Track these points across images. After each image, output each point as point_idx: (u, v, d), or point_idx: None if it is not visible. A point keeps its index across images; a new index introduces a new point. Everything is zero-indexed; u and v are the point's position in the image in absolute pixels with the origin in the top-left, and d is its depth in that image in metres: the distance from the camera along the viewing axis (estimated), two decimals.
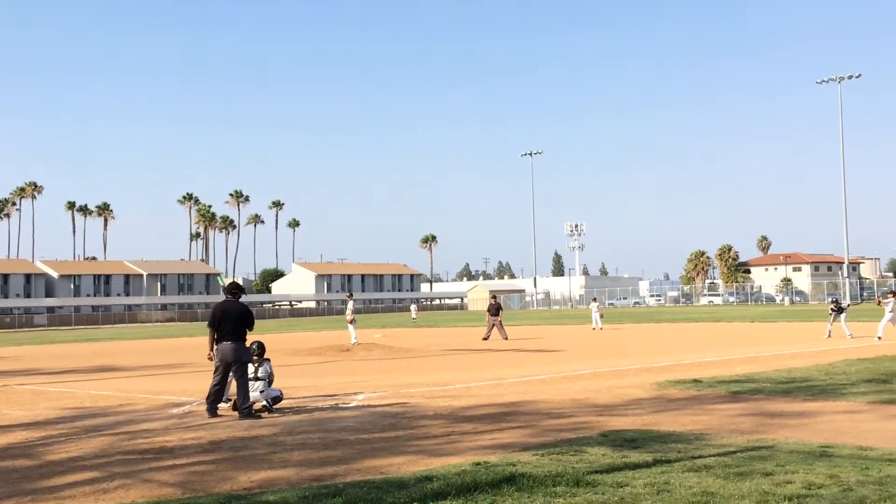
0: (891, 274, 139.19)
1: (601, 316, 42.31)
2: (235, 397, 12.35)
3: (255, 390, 12.49)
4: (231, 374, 12.47)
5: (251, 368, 12.62)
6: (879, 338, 26.28)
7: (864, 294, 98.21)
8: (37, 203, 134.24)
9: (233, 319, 12.34)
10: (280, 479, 7.82)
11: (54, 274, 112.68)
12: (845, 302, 32.88)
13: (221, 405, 12.86)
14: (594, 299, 44.85)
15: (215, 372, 12.45)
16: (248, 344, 12.61)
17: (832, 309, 29.77)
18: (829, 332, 29.17)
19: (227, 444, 9.89)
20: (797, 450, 8.42)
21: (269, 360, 13.03)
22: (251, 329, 12.46)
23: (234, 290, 12.82)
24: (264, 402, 12.53)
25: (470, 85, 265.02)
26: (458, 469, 7.77)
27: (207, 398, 12.41)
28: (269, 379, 12.81)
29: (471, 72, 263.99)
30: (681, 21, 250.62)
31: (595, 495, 6.55)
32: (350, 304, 31.35)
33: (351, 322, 30.44)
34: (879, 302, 28.45)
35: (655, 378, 15.94)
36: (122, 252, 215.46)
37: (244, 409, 12.03)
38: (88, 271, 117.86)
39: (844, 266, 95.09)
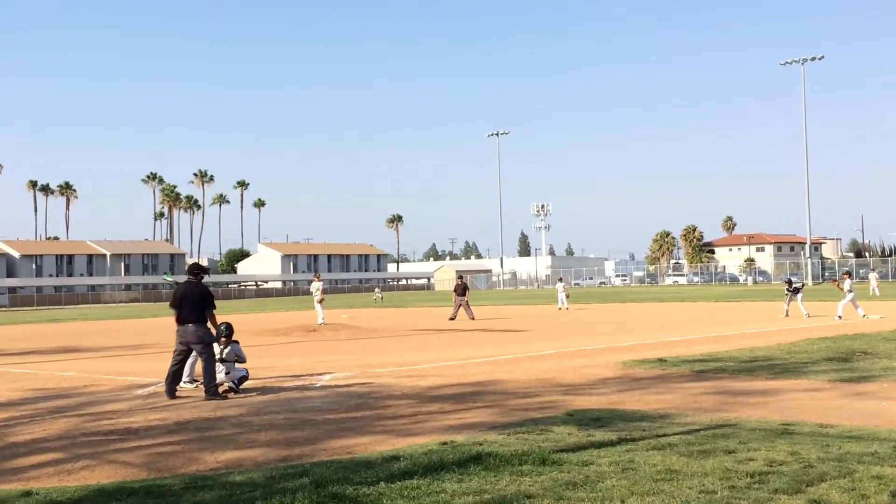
0: (851, 254, 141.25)
1: (567, 296, 42.53)
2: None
3: (219, 372, 12.44)
4: (195, 355, 12.43)
5: (217, 349, 12.56)
6: (840, 317, 26.67)
7: (826, 274, 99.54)
8: None
9: (193, 301, 12.28)
10: (247, 459, 7.80)
11: (16, 254, 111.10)
12: (800, 282, 33.42)
13: (187, 386, 12.83)
14: (560, 279, 45.09)
15: (175, 353, 12.39)
16: (217, 323, 12.57)
17: (787, 289, 30.49)
18: (787, 311, 29.76)
19: (192, 424, 9.85)
20: (759, 427, 8.54)
21: (237, 341, 12.96)
22: (212, 308, 12.39)
23: (196, 271, 12.75)
24: (230, 384, 12.47)
25: (436, 65, 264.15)
26: (424, 449, 7.79)
27: (166, 379, 12.35)
28: (240, 361, 12.73)
29: (436, 53, 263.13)
30: (645, 4, 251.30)
31: (561, 474, 6.61)
32: (319, 285, 31.18)
33: (320, 302, 30.36)
34: (836, 283, 28.85)
35: (621, 357, 16.07)
36: (85, 232, 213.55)
37: (210, 389, 11.97)
38: (51, 251, 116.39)
39: (807, 246, 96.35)
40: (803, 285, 32.63)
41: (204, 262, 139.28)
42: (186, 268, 13.01)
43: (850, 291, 27.34)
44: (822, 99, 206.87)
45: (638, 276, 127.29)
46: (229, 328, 12.93)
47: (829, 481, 6.20)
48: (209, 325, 12.37)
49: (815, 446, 7.45)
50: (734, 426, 8.65)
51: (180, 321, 12.30)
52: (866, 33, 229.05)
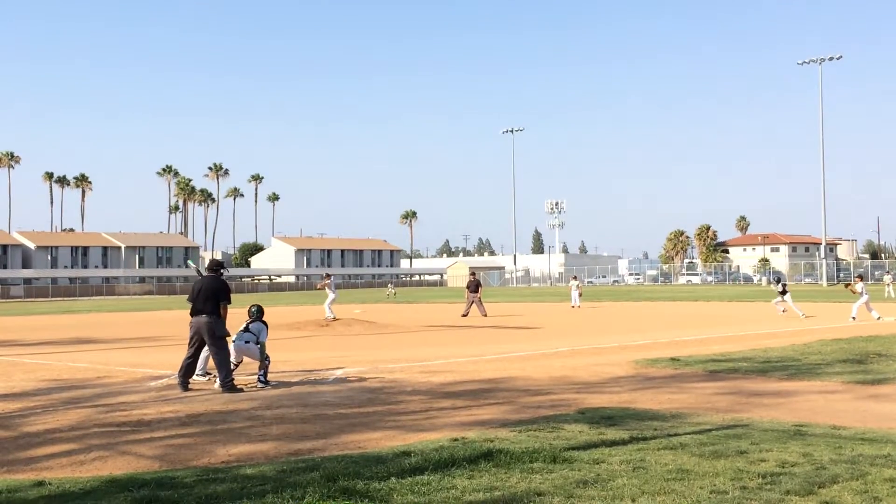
0: (867, 255, 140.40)
1: (580, 294, 42.41)
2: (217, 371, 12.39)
3: (241, 339, 12.73)
4: (208, 349, 12.51)
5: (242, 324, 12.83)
6: (854, 318, 26.53)
7: (841, 275, 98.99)
8: (14, 173, 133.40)
9: (209, 292, 12.40)
10: (258, 453, 7.83)
11: (31, 245, 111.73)
12: (783, 284, 34.38)
13: (200, 379, 12.90)
14: (574, 277, 44.95)
15: (190, 345, 12.50)
16: (249, 309, 12.90)
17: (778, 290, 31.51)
18: (783, 309, 30.62)
19: (204, 417, 9.88)
20: (772, 428, 8.51)
21: (265, 323, 13.16)
22: (227, 302, 12.51)
23: (215, 267, 12.90)
24: (259, 380, 12.52)
25: (452, 62, 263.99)
26: (435, 445, 7.80)
27: (179, 372, 12.44)
28: (258, 340, 12.82)
29: (452, 49, 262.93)
30: (661, 4, 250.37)
31: (572, 472, 6.60)
32: (330, 282, 30.89)
33: (323, 288, 30.19)
34: (849, 286, 28.71)
35: (633, 356, 16.03)
36: (100, 224, 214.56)
37: (226, 383, 12.04)
38: (66, 243, 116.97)
39: (822, 247, 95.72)
40: (785, 285, 33.35)
41: (218, 256, 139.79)
42: (206, 264, 13.17)
43: (864, 293, 27.23)
44: (839, 99, 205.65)
45: (651, 274, 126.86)
46: (260, 310, 13.22)
47: (841, 483, 6.17)
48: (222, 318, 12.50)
49: (827, 448, 7.42)
50: (746, 427, 8.62)
51: (194, 312, 12.42)
52: (884, 33, 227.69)
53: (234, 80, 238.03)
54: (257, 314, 13.11)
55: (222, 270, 12.92)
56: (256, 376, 12.64)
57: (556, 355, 16.86)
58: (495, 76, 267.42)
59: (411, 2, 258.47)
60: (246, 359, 13.14)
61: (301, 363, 15.72)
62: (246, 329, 12.89)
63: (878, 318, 26.78)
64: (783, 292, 30.87)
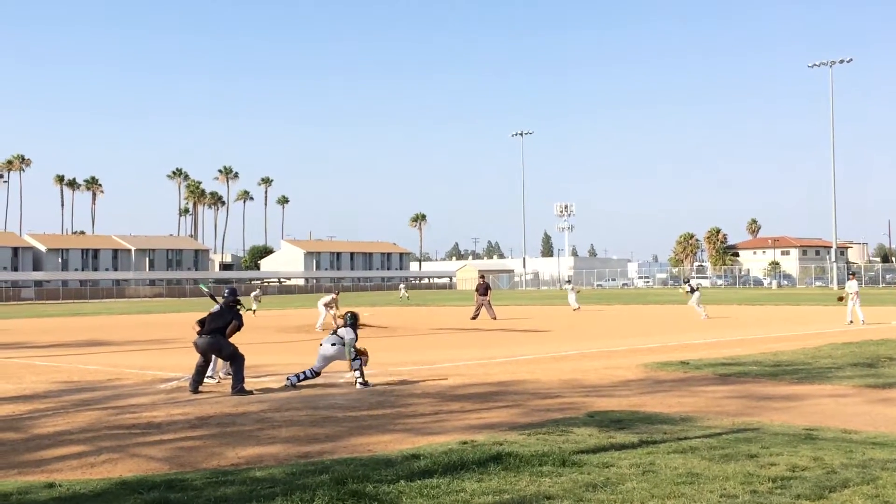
0: (878, 259, 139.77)
1: (578, 292, 42.34)
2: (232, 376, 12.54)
3: (327, 342, 13.05)
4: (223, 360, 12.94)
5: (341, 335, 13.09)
6: (863, 321, 26.37)
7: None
8: (25, 176, 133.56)
9: (221, 321, 12.60)
10: (268, 455, 7.84)
11: (42, 248, 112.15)
12: (695, 283, 35.18)
13: (210, 381, 12.97)
14: (568, 281, 44.87)
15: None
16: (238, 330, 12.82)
17: (688, 291, 32.76)
18: (705, 314, 31.30)
19: (214, 419, 9.91)
20: (782, 432, 8.48)
21: (354, 328, 13.28)
22: (239, 326, 12.70)
23: (232, 303, 13.04)
24: (358, 380, 12.68)
25: (460, 65, 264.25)
26: (444, 448, 7.80)
27: (193, 375, 12.55)
28: (348, 344, 12.93)
29: (462, 51, 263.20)
30: (671, 6, 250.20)
31: (581, 475, 6.59)
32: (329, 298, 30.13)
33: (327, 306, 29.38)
34: (842, 298, 27.96)
35: (643, 359, 16.00)
36: (111, 226, 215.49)
37: (237, 388, 12.09)
38: (76, 245, 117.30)
39: (832, 250, 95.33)
40: (699, 286, 33.93)
41: (227, 259, 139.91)
42: (226, 290, 13.18)
43: (856, 293, 26.86)
44: (849, 101, 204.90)
45: (661, 277, 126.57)
46: (354, 316, 13.47)
47: (852, 487, 6.15)
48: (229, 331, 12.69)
49: (838, 452, 7.39)
50: (757, 430, 8.60)
51: (200, 333, 12.50)
52: (895, 35, 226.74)
53: (243, 82, 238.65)
54: (352, 320, 13.29)
55: (238, 308, 13.02)
56: (354, 378, 12.78)
57: (565, 358, 16.84)
58: (505, 79, 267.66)
59: (421, 3, 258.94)
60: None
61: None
62: (334, 333, 13.19)
63: (850, 322, 26.50)
64: (692, 291, 32.02)
